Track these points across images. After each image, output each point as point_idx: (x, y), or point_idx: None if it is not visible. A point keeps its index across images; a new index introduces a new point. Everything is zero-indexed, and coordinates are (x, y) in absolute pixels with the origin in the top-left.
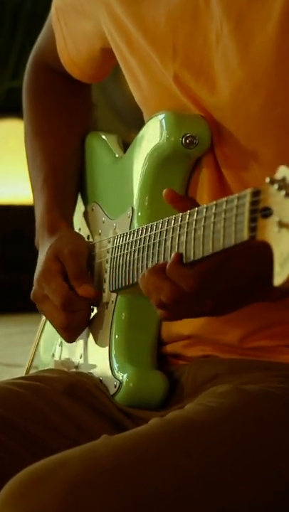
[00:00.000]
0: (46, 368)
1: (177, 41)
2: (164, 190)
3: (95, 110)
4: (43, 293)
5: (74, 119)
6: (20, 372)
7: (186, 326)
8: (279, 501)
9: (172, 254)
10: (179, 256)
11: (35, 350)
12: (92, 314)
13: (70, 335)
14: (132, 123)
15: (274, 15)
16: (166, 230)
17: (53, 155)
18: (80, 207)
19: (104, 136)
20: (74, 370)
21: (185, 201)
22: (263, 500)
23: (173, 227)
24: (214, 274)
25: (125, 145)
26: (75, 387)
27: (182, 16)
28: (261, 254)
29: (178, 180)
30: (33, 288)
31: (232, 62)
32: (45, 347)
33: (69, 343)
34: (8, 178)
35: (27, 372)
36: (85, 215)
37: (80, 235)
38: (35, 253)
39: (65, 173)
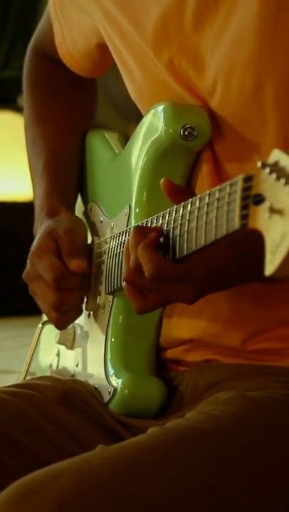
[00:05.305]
0: (39, 376)
1: (168, 30)
2: (162, 180)
3: None
4: (35, 271)
5: (75, 109)
6: (13, 379)
7: (186, 330)
8: None
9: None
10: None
11: (32, 356)
12: (89, 318)
13: (60, 318)
14: (130, 117)
15: None
16: (161, 224)
17: (54, 141)
18: (80, 207)
19: (105, 134)
20: (70, 378)
21: (182, 194)
22: None
23: (167, 221)
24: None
25: (126, 141)
26: (70, 395)
27: (170, 4)
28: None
29: (178, 175)
30: (26, 267)
31: (221, 45)
32: (43, 361)
33: (60, 329)
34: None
35: (23, 379)
36: (85, 215)
37: (79, 218)
38: (27, 253)
39: (65, 160)
